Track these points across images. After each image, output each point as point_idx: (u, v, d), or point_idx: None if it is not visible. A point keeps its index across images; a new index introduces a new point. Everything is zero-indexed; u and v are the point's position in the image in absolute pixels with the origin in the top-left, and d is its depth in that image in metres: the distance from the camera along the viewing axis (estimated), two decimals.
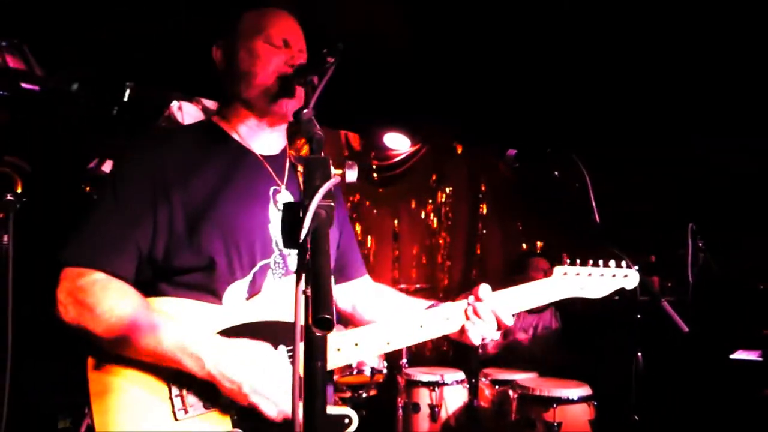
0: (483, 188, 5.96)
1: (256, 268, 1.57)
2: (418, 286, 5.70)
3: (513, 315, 1.65)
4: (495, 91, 4.75)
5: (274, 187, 1.68)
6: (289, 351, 1.52)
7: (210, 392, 1.46)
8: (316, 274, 0.88)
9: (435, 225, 6.36)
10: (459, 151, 6.15)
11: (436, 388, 4.23)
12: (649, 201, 4.52)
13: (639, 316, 2.27)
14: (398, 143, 6.14)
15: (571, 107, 4.60)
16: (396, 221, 6.76)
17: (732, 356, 3.29)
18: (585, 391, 3.74)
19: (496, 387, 4.24)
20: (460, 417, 4.24)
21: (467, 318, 1.63)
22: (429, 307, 1.74)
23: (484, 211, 5.95)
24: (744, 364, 3.45)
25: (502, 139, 4.54)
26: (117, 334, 1.39)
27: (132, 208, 1.50)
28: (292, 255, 1.65)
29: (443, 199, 6.33)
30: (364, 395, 4.42)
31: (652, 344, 2.66)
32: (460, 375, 4.37)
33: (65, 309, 1.43)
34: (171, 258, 1.52)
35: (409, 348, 5.06)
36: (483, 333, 1.62)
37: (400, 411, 4.38)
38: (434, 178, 6.37)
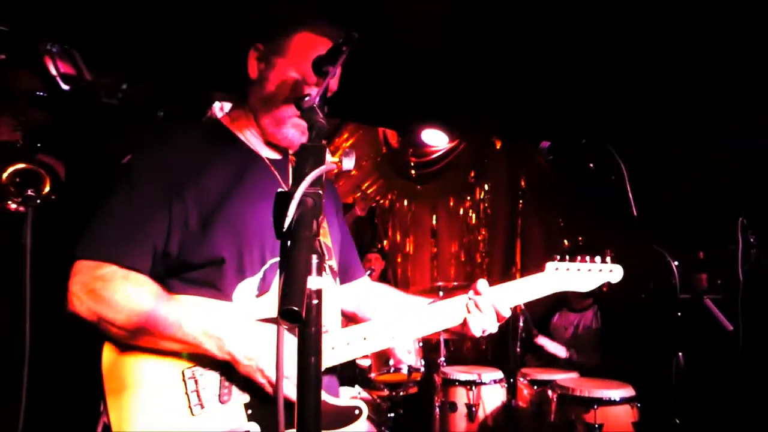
0: (522, 184, 5.82)
1: (266, 266, 1.58)
2: (455, 283, 5.63)
3: (510, 308, 1.74)
4: (534, 83, 4.64)
5: (280, 190, 1.68)
6: None
7: (225, 385, 1.47)
8: (290, 264, 0.85)
9: (474, 222, 6.26)
10: (498, 147, 6.03)
11: (474, 388, 4.16)
12: (697, 194, 4.32)
13: (679, 314, 2.17)
14: (436, 139, 6.04)
15: (613, 98, 4.44)
16: (434, 218, 6.69)
17: None
18: (628, 392, 3.61)
19: (535, 387, 4.14)
20: (497, 417, 4.15)
21: (468, 311, 1.70)
22: (431, 303, 1.82)
23: (524, 207, 5.82)
24: None
25: (543, 133, 4.44)
26: (137, 322, 1.40)
27: (147, 203, 1.50)
28: None
29: (482, 196, 6.22)
30: (402, 394, 4.38)
31: (694, 344, 2.53)
32: (498, 374, 4.28)
33: (80, 301, 1.42)
34: (184, 254, 1.52)
35: (447, 347, 5.00)
36: (483, 325, 1.70)
37: (437, 410, 4.33)
38: (473, 174, 6.26)
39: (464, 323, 1.70)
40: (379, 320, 1.68)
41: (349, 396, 4.05)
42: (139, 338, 1.43)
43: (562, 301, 4.96)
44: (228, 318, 1.47)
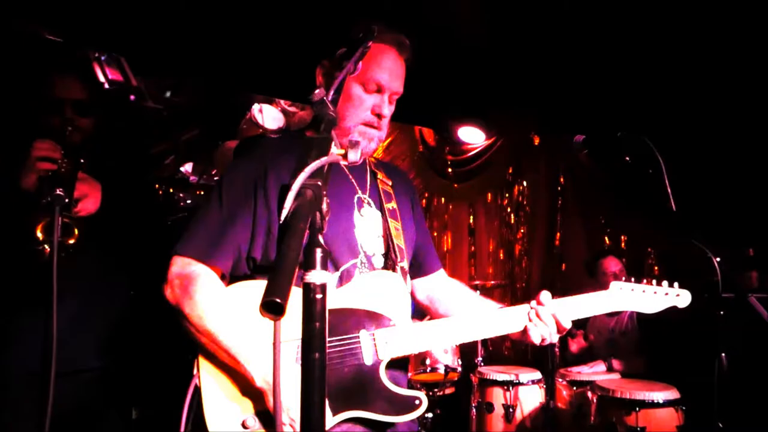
0: (562, 180, 5.68)
1: (343, 268, 1.74)
2: (493, 282, 5.54)
3: (572, 320, 1.81)
4: (572, 78, 4.53)
5: (358, 195, 1.85)
6: (371, 335, 1.68)
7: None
8: (280, 255, 0.83)
9: (512, 220, 6.15)
10: (536, 143, 5.90)
11: (511, 388, 4.09)
12: (747, 189, 4.13)
13: (722, 312, 2.07)
14: (473, 137, 5.95)
15: (652, 88, 4.30)
16: (471, 217, 6.60)
17: None
18: (672, 394, 3.48)
19: (574, 388, 4.04)
20: (535, 418, 4.06)
21: (530, 320, 1.79)
22: (500, 308, 1.91)
23: (564, 205, 5.67)
24: None
25: (582, 128, 4.32)
26: (204, 324, 1.57)
27: (233, 210, 1.67)
28: (377, 255, 1.82)
29: (520, 193, 6.11)
30: (439, 394, 4.33)
31: (739, 344, 2.41)
32: (537, 375, 4.19)
33: (172, 289, 1.62)
34: (268, 257, 1.67)
35: (485, 346, 4.93)
36: (543, 334, 1.78)
37: (474, 411, 4.26)
38: (510, 171, 6.15)
39: (525, 331, 1.78)
40: (450, 319, 1.83)
41: None
42: (201, 338, 1.59)
43: None
44: (260, 349, 1.56)
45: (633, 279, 1.91)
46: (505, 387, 4.10)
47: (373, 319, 1.70)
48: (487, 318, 1.81)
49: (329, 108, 1.10)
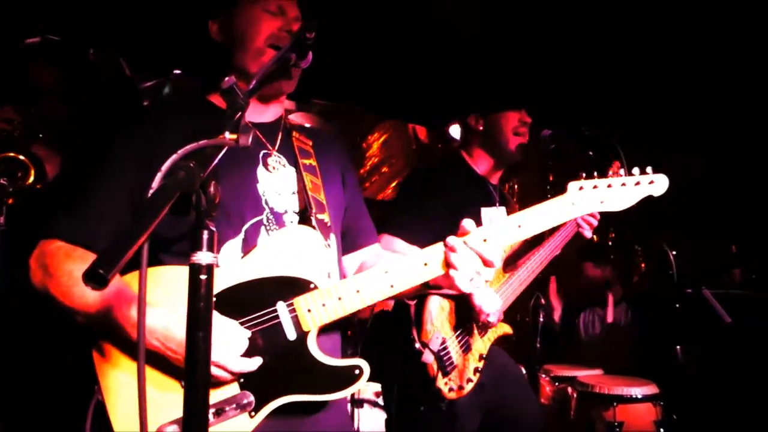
0: (551, 178, 5.70)
1: (247, 226, 1.56)
2: None
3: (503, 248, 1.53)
4: (564, 77, 4.56)
5: (264, 151, 1.68)
6: (288, 305, 1.49)
7: None
8: (127, 229, 0.84)
9: None
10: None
11: None
12: (727, 185, 4.15)
13: (677, 305, 2.06)
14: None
15: (638, 84, 4.33)
16: None
17: None
18: (650, 389, 3.49)
19: (557, 384, 4.06)
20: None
21: (447, 259, 1.48)
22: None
23: None
24: None
25: (574, 123, 4.34)
26: (73, 299, 1.42)
27: (114, 183, 1.51)
28: (289, 213, 1.64)
29: (510, 190, 6.13)
30: None
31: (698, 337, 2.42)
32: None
33: (34, 273, 1.47)
34: (162, 228, 1.52)
35: None
36: (469, 274, 1.47)
37: None
38: None
39: (448, 276, 1.49)
40: (373, 269, 1.53)
41: (372, 392, 4.05)
42: (78, 317, 1.44)
43: (591, 299, 4.84)
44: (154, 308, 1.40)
45: (596, 174, 1.58)
46: None
47: (289, 285, 1.50)
48: (426, 259, 1.50)
49: (239, 96, 1.10)
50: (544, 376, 4.16)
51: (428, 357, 2.30)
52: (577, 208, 1.55)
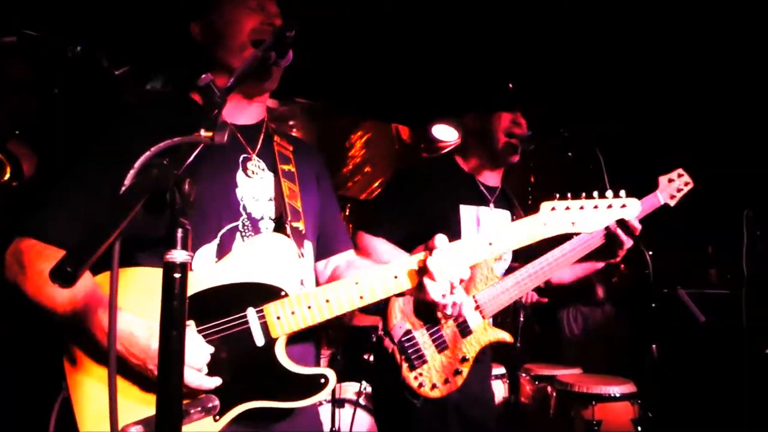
0: (532, 179, 5.73)
1: (223, 231, 1.56)
2: None
3: (469, 268, 1.50)
4: (548, 78, 4.60)
5: (244, 155, 1.68)
6: (258, 312, 1.49)
7: None
8: (97, 227, 0.83)
9: None
10: None
11: None
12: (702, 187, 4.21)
13: (653, 305, 2.09)
14: (446, 134, 6.05)
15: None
16: None
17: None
18: (628, 388, 3.53)
19: (537, 383, 4.09)
20: (499, 413, 4.10)
21: (419, 273, 1.51)
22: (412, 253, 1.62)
23: (534, 203, 5.71)
24: None
25: (557, 125, 4.39)
26: (43, 298, 1.41)
27: (90, 181, 1.50)
28: (265, 219, 1.64)
29: None
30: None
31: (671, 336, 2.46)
32: (501, 370, 4.22)
33: (8, 267, 1.46)
34: (139, 228, 1.49)
35: None
36: (442, 290, 1.49)
37: None
38: None
39: (422, 287, 1.50)
40: (344, 280, 1.55)
41: (353, 391, 4.05)
42: (48, 314, 1.42)
43: (577, 295, 4.88)
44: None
45: (569, 195, 1.59)
46: None
47: (260, 292, 1.51)
48: (396, 271, 1.52)
49: (216, 94, 1.09)
50: (524, 375, 4.19)
51: (388, 344, 2.27)
52: (548, 229, 1.57)
